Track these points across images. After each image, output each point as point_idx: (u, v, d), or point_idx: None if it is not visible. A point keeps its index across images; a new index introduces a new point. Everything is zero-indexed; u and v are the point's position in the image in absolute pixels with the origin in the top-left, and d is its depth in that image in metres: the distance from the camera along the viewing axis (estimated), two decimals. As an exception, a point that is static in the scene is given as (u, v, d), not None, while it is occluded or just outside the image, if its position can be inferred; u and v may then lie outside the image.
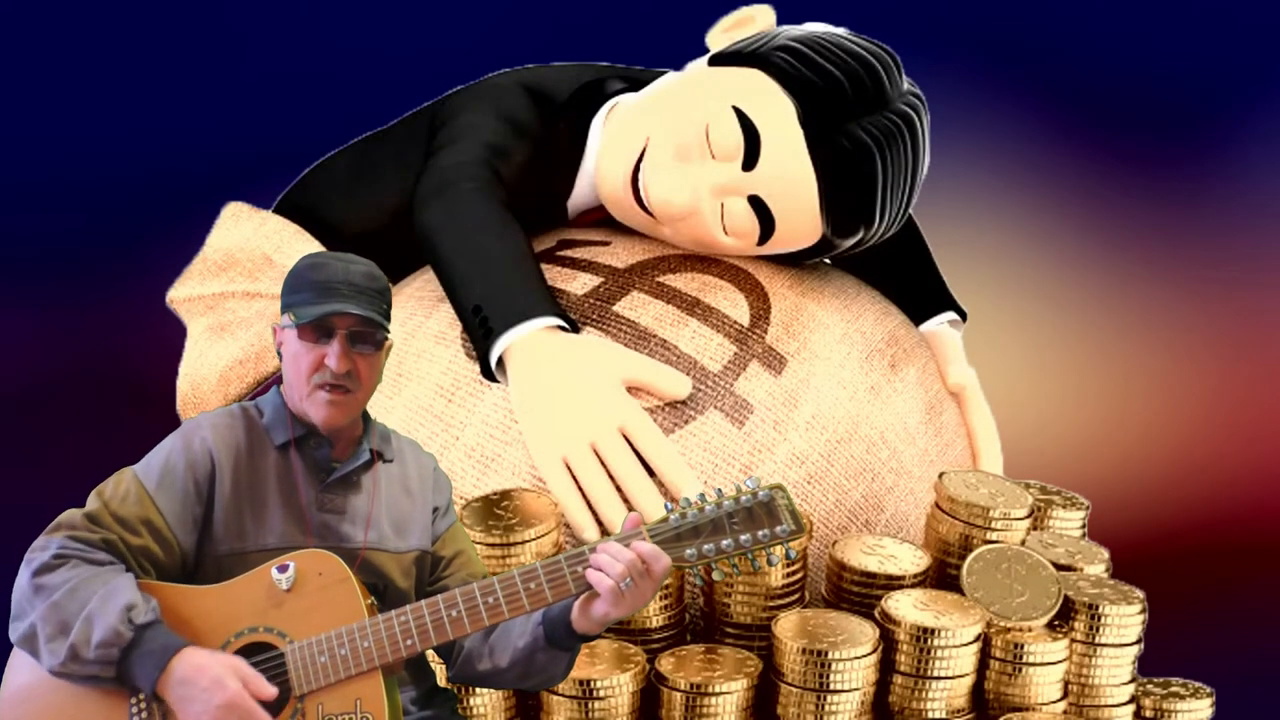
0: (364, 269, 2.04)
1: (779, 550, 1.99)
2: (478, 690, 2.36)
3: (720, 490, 2.01)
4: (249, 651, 1.96)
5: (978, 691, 2.48)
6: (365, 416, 2.11)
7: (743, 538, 1.98)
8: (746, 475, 2.56)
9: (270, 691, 1.92)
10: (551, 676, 2.09)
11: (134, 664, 1.90)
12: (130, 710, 1.94)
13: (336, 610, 1.95)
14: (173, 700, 1.90)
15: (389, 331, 2.05)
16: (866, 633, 2.40)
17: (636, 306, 2.68)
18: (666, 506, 2.00)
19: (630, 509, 2.48)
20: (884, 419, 2.71)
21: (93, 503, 2.00)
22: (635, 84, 2.85)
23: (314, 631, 1.95)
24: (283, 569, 1.96)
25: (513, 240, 2.67)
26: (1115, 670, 2.53)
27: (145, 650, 1.90)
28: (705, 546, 1.97)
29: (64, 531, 1.97)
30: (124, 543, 1.97)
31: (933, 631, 2.40)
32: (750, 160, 2.63)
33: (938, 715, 2.43)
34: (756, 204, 2.66)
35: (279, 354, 2.06)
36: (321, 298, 2.01)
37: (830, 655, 2.36)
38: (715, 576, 2.00)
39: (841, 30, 2.72)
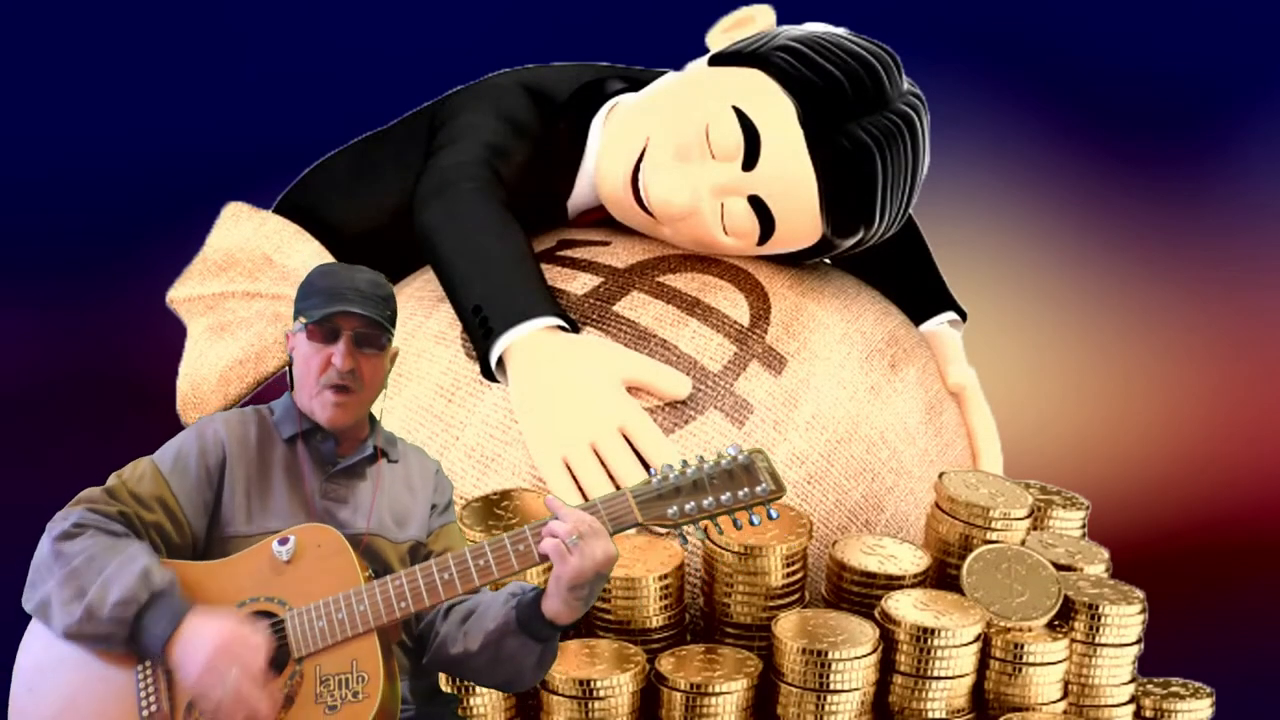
0: (369, 276, 2.13)
1: (760, 511, 2.03)
2: (478, 690, 2.37)
3: (701, 455, 2.05)
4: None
5: (978, 691, 2.48)
6: (371, 419, 2.18)
7: (723, 497, 2.02)
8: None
9: (269, 644, 1.98)
10: (520, 669, 2.08)
11: (147, 624, 1.97)
12: (137, 682, 1.99)
13: (334, 579, 2.01)
14: (178, 656, 1.97)
15: (393, 337, 2.12)
16: (866, 633, 2.40)
17: (636, 306, 2.68)
18: (650, 471, 2.06)
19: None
20: (884, 419, 2.71)
21: (111, 481, 2.09)
22: (635, 84, 2.85)
23: (313, 599, 2.01)
24: (283, 542, 2.03)
25: (513, 240, 2.67)
26: (1115, 670, 2.53)
27: (159, 612, 1.97)
28: (687, 505, 2.02)
29: (84, 505, 2.06)
30: (138, 517, 2.06)
31: (933, 631, 2.40)
32: (750, 160, 2.63)
33: (938, 715, 2.43)
34: (756, 204, 2.66)
35: (290, 358, 2.14)
36: (329, 301, 2.09)
37: (830, 655, 2.36)
38: (696, 535, 2.04)
39: (841, 30, 2.72)
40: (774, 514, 2.04)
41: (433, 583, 2.00)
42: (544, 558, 1.99)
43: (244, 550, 2.05)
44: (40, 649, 2.04)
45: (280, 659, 1.99)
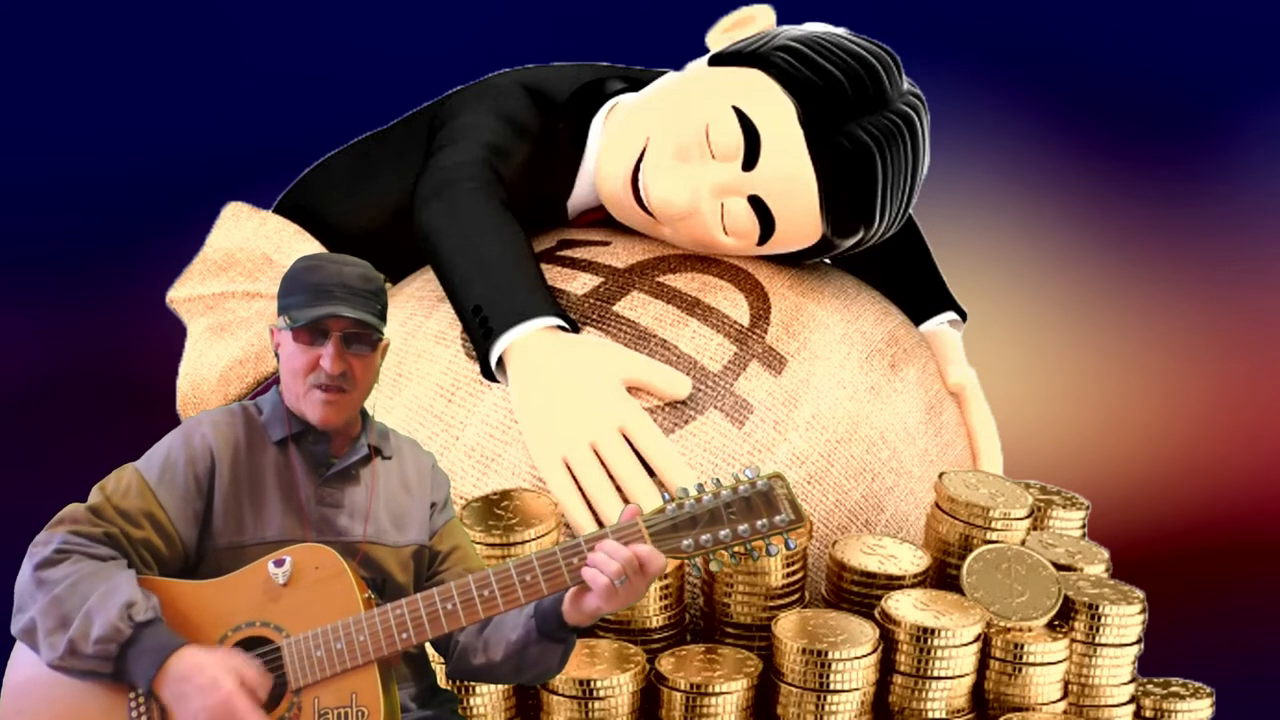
0: (359, 270, 2.06)
1: (778, 541, 1.98)
2: (478, 690, 2.37)
3: (718, 480, 2.00)
4: (246, 646, 1.97)
5: (978, 691, 2.48)
6: (363, 414, 2.13)
7: (740, 528, 1.96)
8: (746, 475, 2.56)
9: (266, 687, 1.93)
10: (546, 669, 2.09)
11: (131, 661, 1.92)
12: (129, 705, 1.95)
13: (333, 604, 1.96)
14: (168, 698, 1.92)
15: (383, 333, 2.07)
16: (866, 633, 2.40)
17: (636, 306, 2.68)
18: (664, 497, 1.99)
19: (630, 509, 2.49)
20: (884, 419, 2.71)
21: (95, 497, 2.02)
22: (635, 84, 2.85)
23: (310, 625, 1.96)
24: (279, 563, 1.97)
25: (513, 240, 2.67)
26: (1115, 670, 2.53)
27: (143, 648, 1.91)
28: (703, 537, 1.96)
29: (66, 526, 1.99)
30: (126, 536, 1.99)
31: (933, 631, 2.40)
32: (750, 160, 2.63)
33: (938, 715, 2.43)
34: (756, 204, 2.66)
35: (276, 354, 2.09)
36: (316, 300, 2.03)
37: (830, 655, 2.36)
38: (713, 568, 1.99)
39: (841, 30, 2.72)
40: (792, 544, 1.98)
41: (436, 614, 1.96)
42: (577, 581, 1.96)
43: (238, 570, 1.99)
44: (30, 667, 1.99)
45: (277, 690, 1.94)
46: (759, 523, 1.97)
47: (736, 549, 1.97)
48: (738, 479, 1.99)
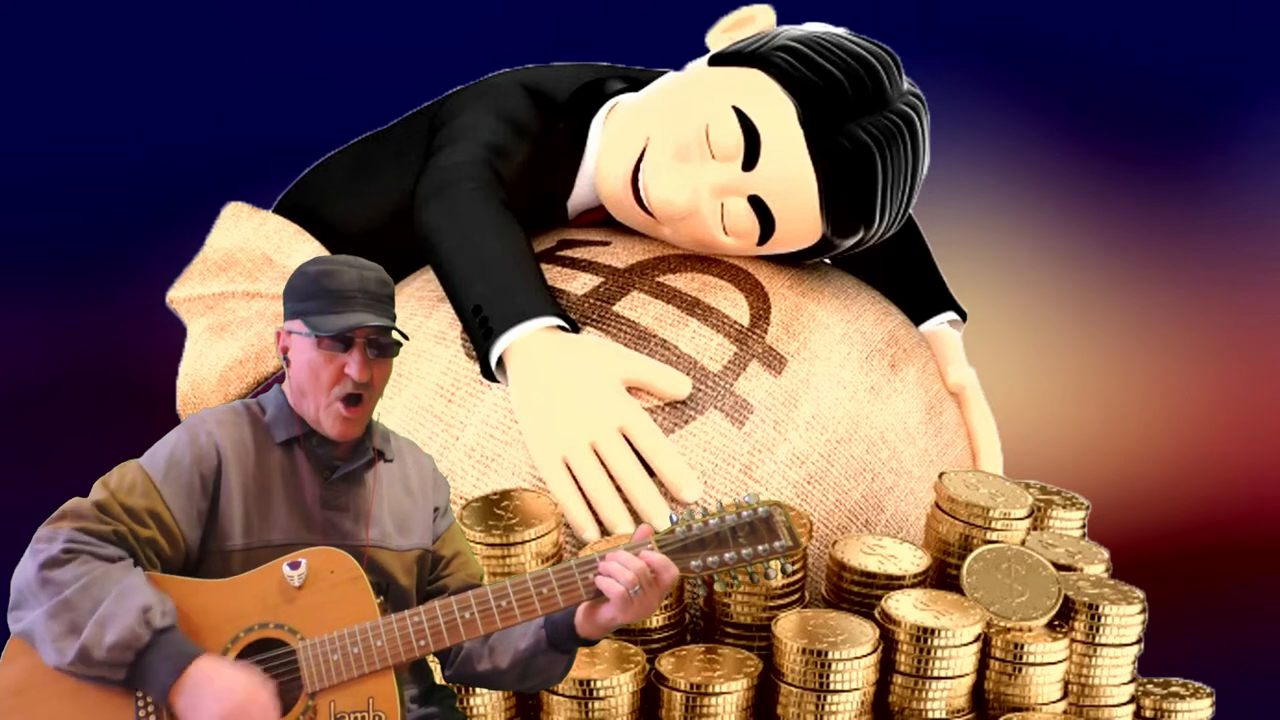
0: (377, 275, 2.04)
1: (776, 564, 2.04)
2: (477, 690, 2.37)
3: (721, 503, 2.05)
4: (258, 647, 1.96)
5: (978, 691, 2.48)
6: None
7: (745, 551, 2.02)
8: (746, 475, 2.56)
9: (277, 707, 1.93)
10: (549, 678, 2.10)
11: (148, 667, 1.90)
12: (136, 703, 1.93)
13: (348, 608, 1.96)
14: (182, 706, 1.90)
15: (404, 338, 2.05)
16: (866, 633, 2.40)
17: (636, 306, 2.68)
18: (672, 518, 2.04)
19: (630, 509, 2.49)
20: (884, 419, 2.71)
21: (99, 492, 1.98)
22: (635, 84, 2.85)
23: (325, 629, 1.95)
24: (295, 565, 1.96)
25: (513, 240, 2.67)
26: (1115, 670, 2.53)
27: (162, 654, 1.90)
28: (710, 559, 2.01)
29: (71, 522, 1.95)
30: (133, 534, 1.96)
31: (933, 631, 2.40)
32: (750, 160, 2.63)
33: (938, 715, 2.43)
34: (756, 204, 2.66)
35: (284, 358, 2.05)
36: (339, 307, 2.00)
37: (830, 655, 2.36)
38: (717, 588, 2.06)
39: (841, 30, 2.72)
40: (788, 569, 2.08)
41: (454, 622, 1.97)
42: (592, 595, 1.98)
43: (249, 571, 1.97)
44: (25, 665, 1.96)
45: (292, 693, 1.94)
46: (761, 547, 2.03)
47: (738, 571, 2.03)
48: (739, 504, 2.05)
